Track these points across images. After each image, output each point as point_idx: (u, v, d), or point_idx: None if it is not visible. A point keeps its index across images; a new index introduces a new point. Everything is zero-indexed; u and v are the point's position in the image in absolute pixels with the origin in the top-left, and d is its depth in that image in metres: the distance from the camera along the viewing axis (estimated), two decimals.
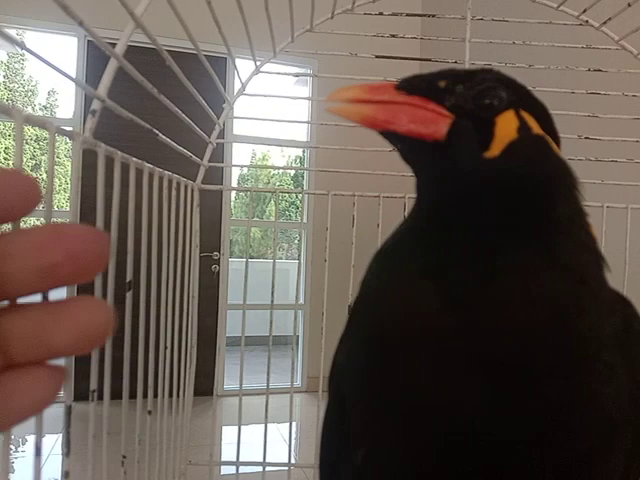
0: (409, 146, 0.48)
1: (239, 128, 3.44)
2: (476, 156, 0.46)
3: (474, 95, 0.48)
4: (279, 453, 2.41)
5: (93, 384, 0.58)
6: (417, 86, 0.48)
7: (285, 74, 1.51)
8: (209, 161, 1.28)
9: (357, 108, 0.46)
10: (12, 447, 2.32)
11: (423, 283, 0.43)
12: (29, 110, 7.82)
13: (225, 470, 2.04)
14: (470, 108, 0.47)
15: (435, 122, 0.46)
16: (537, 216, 0.45)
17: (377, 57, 1.35)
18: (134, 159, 0.72)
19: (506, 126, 0.47)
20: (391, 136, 0.48)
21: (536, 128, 0.49)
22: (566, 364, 0.41)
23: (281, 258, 7.20)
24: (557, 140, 0.52)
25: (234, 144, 3.55)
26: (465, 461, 0.41)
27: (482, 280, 0.42)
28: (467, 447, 0.41)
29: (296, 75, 2.75)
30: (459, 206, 0.46)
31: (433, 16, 1.45)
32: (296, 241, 7.24)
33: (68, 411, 0.53)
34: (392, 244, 0.48)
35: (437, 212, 0.47)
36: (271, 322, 1.31)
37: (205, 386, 2.03)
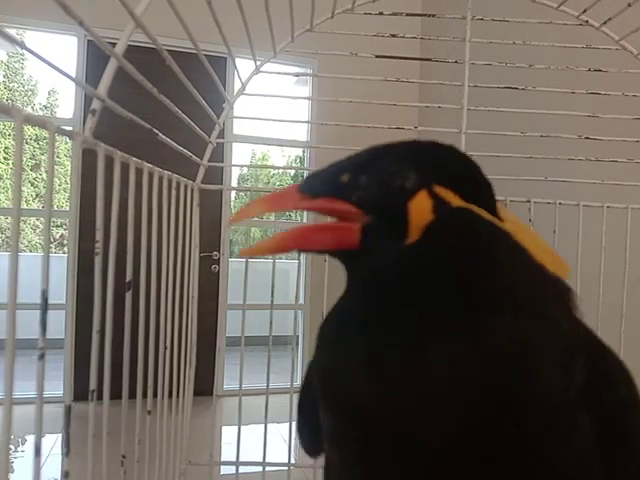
0: (329, 253, 0.49)
1: (239, 128, 3.44)
2: (392, 252, 0.45)
3: (378, 184, 0.46)
4: (279, 453, 2.41)
5: (93, 384, 0.58)
6: (320, 187, 0.47)
7: (285, 74, 1.51)
8: (209, 161, 1.28)
9: (267, 243, 0.47)
10: (12, 447, 2.33)
11: (360, 374, 0.44)
12: (29, 110, 7.81)
13: (225, 470, 2.04)
14: (377, 200, 0.46)
15: (345, 233, 0.46)
16: (467, 294, 0.44)
17: (377, 57, 1.35)
18: (134, 159, 0.72)
19: (419, 209, 0.45)
20: (308, 251, 0.49)
21: (455, 201, 0.46)
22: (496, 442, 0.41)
23: (281, 258, 7.19)
24: (488, 195, 0.49)
25: (234, 144, 3.55)
26: None
27: (411, 367, 0.42)
28: None
29: (296, 75, 2.75)
30: (386, 298, 0.45)
31: (433, 16, 1.45)
32: None
33: (68, 411, 0.53)
34: (335, 323, 0.49)
35: (367, 302, 0.47)
36: (271, 322, 1.31)
37: (205, 386, 2.03)
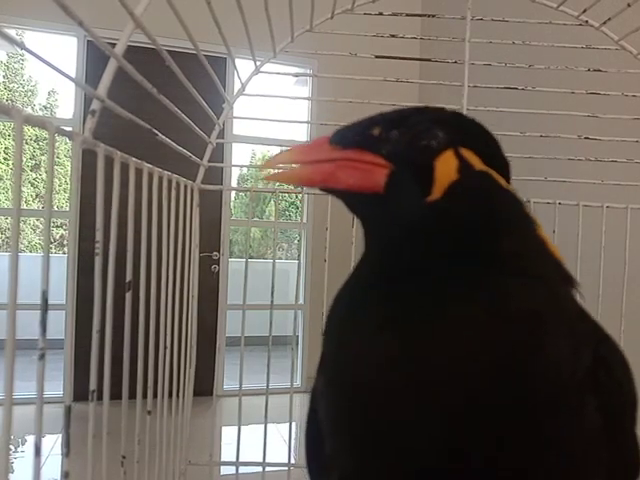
0: (351, 199, 0.48)
1: (239, 128, 3.44)
2: (416, 204, 0.45)
3: (409, 140, 0.47)
4: (279, 453, 2.41)
5: (93, 384, 0.58)
6: (351, 138, 0.48)
7: (285, 74, 1.51)
8: (209, 161, 1.28)
9: (294, 172, 0.47)
10: (11, 447, 2.33)
11: (377, 339, 0.42)
12: (29, 110, 7.81)
13: (225, 470, 2.04)
14: (406, 154, 0.47)
15: (373, 174, 0.46)
16: (483, 256, 0.44)
17: (377, 57, 1.35)
18: (134, 159, 0.72)
19: (445, 168, 0.46)
20: (332, 191, 0.48)
21: (478, 164, 0.48)
22: (513, 410, 0.40)
23: (281, 258, 7.19)
24: (506, 169, 0.51)
25: (234, 144, 3.55)
26: None
27: (432, 332, 0.41)
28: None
29: (296, 75, 2.75)
30: (405, 255, 0.45)
31: (433, 16, 1.45)
32: (296, 241, 7.24)
33: (68, 411, 0.53)
34: (348, 294, 0.48)
35: (386, 261, 0.46)
36: (271, 322, 1.31)
37: (205, 386, 2.03)
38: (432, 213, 0.45)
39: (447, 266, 0.44)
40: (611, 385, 0.46)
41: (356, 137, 0.48)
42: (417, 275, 0.44)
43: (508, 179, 0.51)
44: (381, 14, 1.31)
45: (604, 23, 1.23)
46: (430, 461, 0.41)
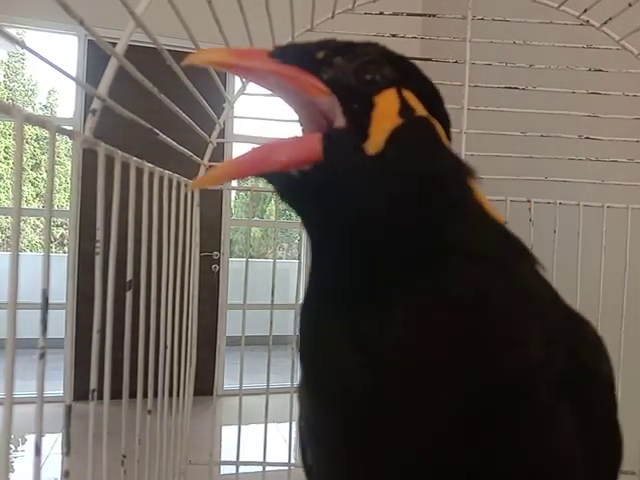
0: (289, 181, 0.43)
1: (239, 128, 3.44)
2: (358, 155, 0.41)
3: (354, 68, 0.43)
4: (279, 453, 2.41)
5: (93, 383, 0.58)
6: (292, 56, 0.43)
7: None
8: (209, 161, 1.28)
9: (223, 170, 0.42)
10: (12, 446, 2.32)
11: (342, 348, 0.40)
12: (29, 109, 7.81)
13: (225, 470, 2.04)
14: (348, 82, 0.43)
15: (306, 143, 0.42)
16: (428, 236, 0.40)
17: None
18: (134, 158, 0.72)
19: (387, 106, 0.42)
20: (272, 177, 0.43)
21: (420, 109, 0.44)
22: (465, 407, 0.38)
23: (281, 258, 7.19)
24: (447, 122, 0.48)
25: (234, 144, 3.55)
26: None
27: (386, 337, 0.39)
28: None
29: None
30: (350, 234, 0.41)
31: (434, 16, 1.45)
32: (296, 241, 7.24)
33: (68, 410, 0.53)
34: (307, 304, 0.45)
35: (331, 252, 0.43)
36: (271, 322, 1.31)
37: (205, 386, 2.03)
38: (376, 169, 0.41)
39: (393, 252, 0.40)
40: (586, 374, 0.43)
41: (298, 55, 0.44)
42: (368, 263, 0.41)
43: (449, 136, 0.48)
44: (382, 14, 1.31)
45: (605, 23, 1.23)
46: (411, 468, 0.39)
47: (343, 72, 0.44)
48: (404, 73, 0.45)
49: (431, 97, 0.47)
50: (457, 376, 0.38)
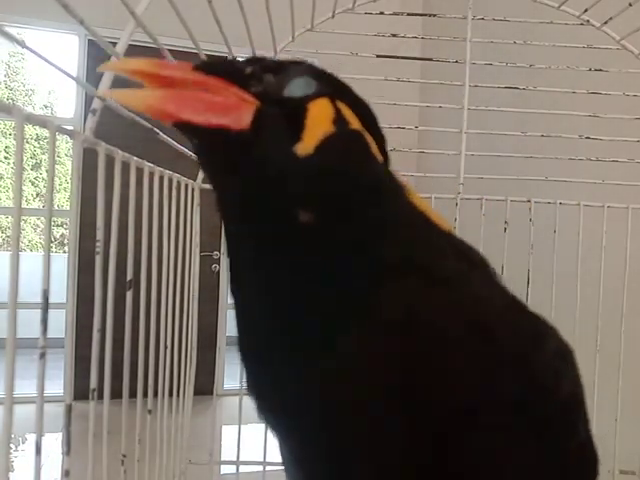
0: (207, 140, 0.40)
1: None
2: (287, 150, 0.38)
3: (283, 84, 0.41)
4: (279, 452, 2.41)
5: (93, 383, 0.58)
6: (219, 68, 0.41)
7: None
8: None
9: (141, 95, 0.39)
10: (12, 446, 2.33)
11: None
12: (29, 109, 7.81)
13: (225, 469, 2.04)
14: (279, 96, 0.41)
15: (237, 109, 0.39)
16: (361, 246, 0.37)
17: (378, 57, 1.35)
18: (135, 158, 0.72)
19: (319, 112, 0.40)
20: (186, 128, 0.40)
21: (354, 122, 0.42)
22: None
23: None
24: (381, 139, 0.46)
25: None
26: None
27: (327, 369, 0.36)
28: None
29: None
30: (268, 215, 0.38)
31: (434, 15, 1.45)
32: None
33: (68, 410, 0.53)
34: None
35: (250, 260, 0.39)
36: None
37: (205, 385, 2.03)
38: (303, 170, 0.38)
39: (317, 253, 0.37)
40: (540, 394, 0.38)
41: (224, 68, 0.41)
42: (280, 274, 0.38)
43: (385, 156, 0.45)
44: (382, 13, 1.31)
45: (605, 23, 1.23)
46: None
47: (273, 87, 0.42)
48: (337, 88, 0.44)
49: (365, 113, 0.44)
50: (393, 402, 0.35)
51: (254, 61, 0.43)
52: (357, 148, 0.41)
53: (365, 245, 0.37)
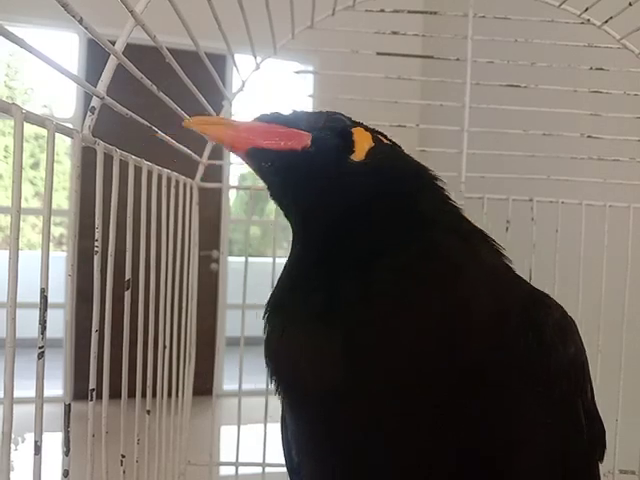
0: (277, 160, 0.52)
1: None
2: (343, 158, 0.52)
3: (325, 121, 0.55)
4: (279, 453, 2.41)
5: (92, 383, 0.58)
6: (274, 119, 0.54)
7: (286, 72, 1.50)
8: (208, 159, 1.28)
9: (222, 127, 0.53)
10: (12, 446, 2.32)
11: (315, 337, 0.45)
12: (28, 108, 7.79)
13: (224, 470, 2.04)
14: (322, 127, 0.54)
15: (298, 136, 0.52)
16: (405, 215, 0.49)
17: (378, 54, 1.34)
18: (133, 157, 0.72)
19: (362, 135, 0.54)
20: (260, 153, 0.52)
21: (385, 140, 0.57)
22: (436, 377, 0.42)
23: (281, 257, 7.18)
24: None
25: None
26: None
27: (363, 319, 0.44)
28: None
29: (297, 72, 2.75)
30: (333, 219, 0.50)
31: (435, 13, 1.44)
32: None
33: (67, 410, 0.53)
34: (281, 287, 0.53)
35: (315, 232, 0.51)
36: None
37: (204, 386, 2.03)
38: (360, 169, 0.51)
39: (374, 227, 0.48)
40: (543, 351, 0.45)
41: (279, 119, 0.54)
42: (347, 244, 0.48)
43: None
44: (383, 11, 1.30)
45: (606, 22, 1.22)
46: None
47: (312, 123, 0.55)
48: (359, 123, 0.58)
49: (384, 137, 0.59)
50: (423, 347, 0.43)
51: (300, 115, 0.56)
52: (394, 154, 0.56)
53: (409, 204, 0.50)
